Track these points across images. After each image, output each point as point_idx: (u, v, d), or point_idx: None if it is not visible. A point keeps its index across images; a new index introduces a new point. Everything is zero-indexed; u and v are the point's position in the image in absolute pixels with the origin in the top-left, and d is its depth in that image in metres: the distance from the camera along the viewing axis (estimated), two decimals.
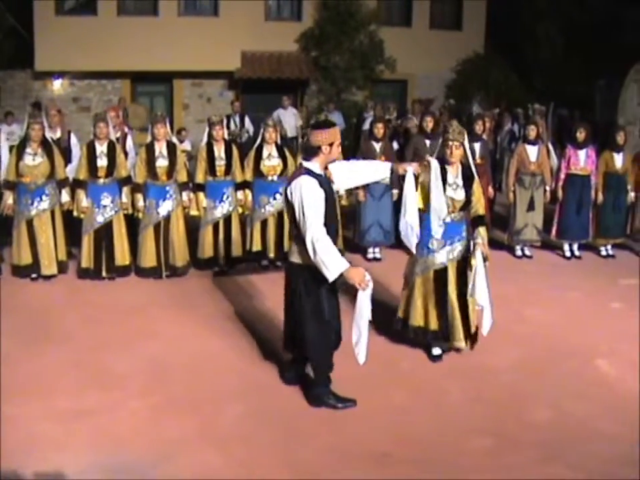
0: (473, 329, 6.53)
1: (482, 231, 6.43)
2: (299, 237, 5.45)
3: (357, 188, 8.74)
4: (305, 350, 5.78)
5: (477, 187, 6.51)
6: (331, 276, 5.23)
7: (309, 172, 5.42)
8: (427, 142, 10.03)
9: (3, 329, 7.01)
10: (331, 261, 5.21)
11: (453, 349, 6.67)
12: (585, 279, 9.38)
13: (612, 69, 18.38)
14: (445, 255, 6.45)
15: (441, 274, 6.47)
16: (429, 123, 10.14)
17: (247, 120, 15.96)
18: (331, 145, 5.43)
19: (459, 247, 6.47)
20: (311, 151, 5.49)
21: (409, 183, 5.97)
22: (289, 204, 5.48)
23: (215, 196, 9.12)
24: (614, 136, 10.40)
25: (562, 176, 10.29)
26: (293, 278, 5.72)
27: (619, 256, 10.61)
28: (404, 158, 9.79)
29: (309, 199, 5.30)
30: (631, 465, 4.98)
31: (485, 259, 6.25)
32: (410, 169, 6.00)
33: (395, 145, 10.81)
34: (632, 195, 10.53)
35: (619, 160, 10.33)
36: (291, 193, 5.40)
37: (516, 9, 20.86)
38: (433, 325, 6.52)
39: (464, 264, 6.42)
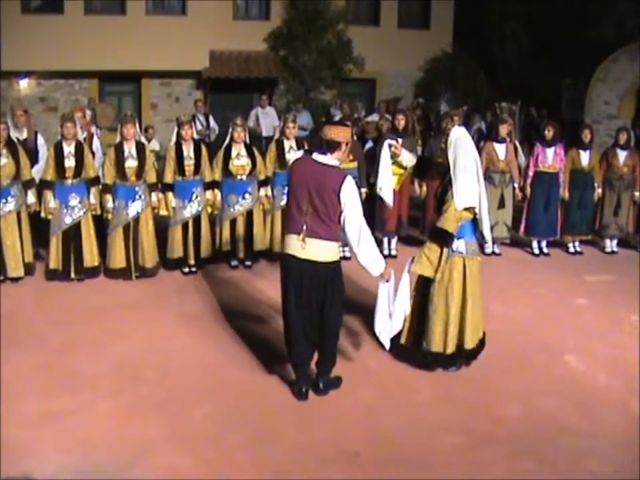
0: (427, 343, 6.30)
1: (424, 249, 6.23)
2: (337, 232, 5.61)
3: None
4: (331, 343, 5.91)
5: (449, 201, 6.05)
6: (378, 272, 5.70)
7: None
8: (399, 140, 10.05)
9: None
10: (379, 258, 5.69)
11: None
12: (553, 276, 9.47)
13: (578, 68, 18.57)
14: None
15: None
16: (400, 121, 10.14)
17: (211, 119, 15.91)
18: (347, 143, 5.66)
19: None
20: (332, 146, 5.57)
21: (385, 150, 6.94)
22: (333, 196, 5.48)
23: (183, 196, 9.07)
24: (580, 134, 10.52)
25: (530, 173, 10.39)
26: (319, 275, 5.65)
27: (586, 252, 10.74)
28: (377, 156, 9.79)
29: (360, 200, 5.70)
30: (600, 459, 5.04)
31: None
32: (389, 141, 7.09)
33: (371, 144, 10.79)
34: (599, 191, 10.65)
35: (585, 157, 10.44)
36: (347, 191, 5.49)
37: (483, 8, 21.00)
38: None
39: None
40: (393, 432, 5.38)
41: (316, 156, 5.64)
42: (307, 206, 5.55)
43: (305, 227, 5.57)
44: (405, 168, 6.87)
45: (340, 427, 5.43)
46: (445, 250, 6.13)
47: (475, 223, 6.23)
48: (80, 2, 18.56)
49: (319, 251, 5.59)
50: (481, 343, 6.39)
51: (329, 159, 5.58)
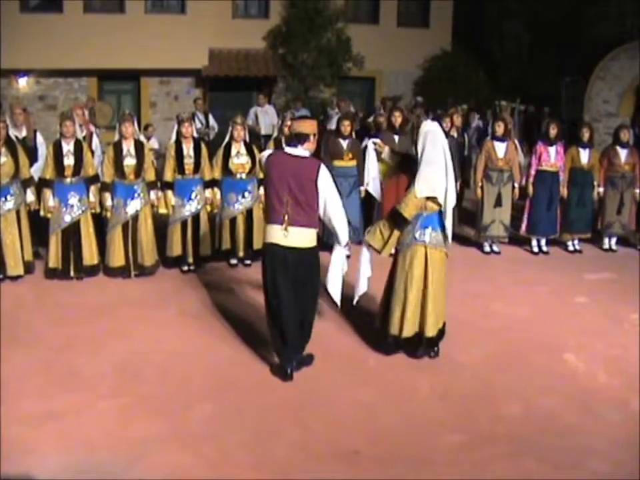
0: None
1: (379, 224, 6.59)
2: (315, 219, 6.01)
3: None
4: (310, 322, 6.22)
5: (411, 188, 6.31)
6: (345, 241, 6.20)
7: None
8: (396, 137, 10.06)
9: None
10: (347, 231, 6.20)
11: None
12: (552, 274, 9.46)
13: (577, 66, 18.57)
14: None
15: None
16: (397, 119, 10.15)
17: (210, 118, 15.92)
18: (314, 135, 6.05)
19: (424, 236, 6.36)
20: (302, 139, 5.97)
21: (370, 150, 7.11)
22: (311, 185, 5.86)
23: (183, 194, 9.07)
24: (579, 132, 10.51)
25: (532, 172, 10.38)
26: (303, 260, 6.00)
27: (586, 251, 10.73)
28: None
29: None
30: (600, 457, 5.04)
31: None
32: (373, 140, 7.22)
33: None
34: (600, 190, 10.64)
35: (584, 156, 10.43)
36: (324, 178, 5.91)
37: (482, 6, 21.00)
38: None
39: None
40: (393, 430, 5.37)
41: (288, 149, 6.10)
42: (287, 197, 5.88)
43: (286, 217, 5.90)
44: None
45: (339, 425, 5.42)
46: (397, 232, 6.37)
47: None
48: (79, 1, 18.60)
49: (301, 238, 5.96)
50: (441, 333, 6.51)
51: (301, 151, 5.98)
